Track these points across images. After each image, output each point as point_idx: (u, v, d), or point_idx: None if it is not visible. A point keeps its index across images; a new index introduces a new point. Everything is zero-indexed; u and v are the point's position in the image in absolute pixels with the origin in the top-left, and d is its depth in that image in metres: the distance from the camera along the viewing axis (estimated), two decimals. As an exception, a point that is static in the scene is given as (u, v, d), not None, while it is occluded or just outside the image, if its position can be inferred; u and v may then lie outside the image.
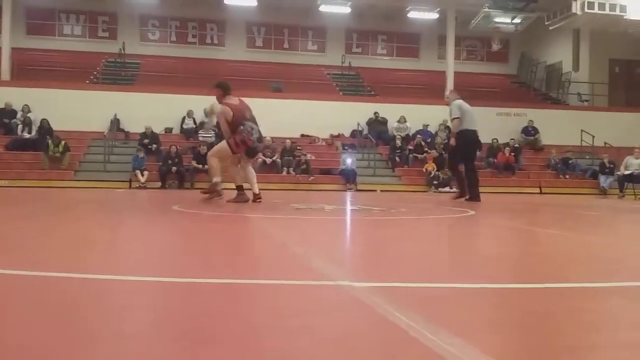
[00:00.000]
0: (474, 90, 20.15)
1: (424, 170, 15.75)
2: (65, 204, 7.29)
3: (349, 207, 7.28)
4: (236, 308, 1.55)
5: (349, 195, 12.04)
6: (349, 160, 15.52)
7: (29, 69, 17.43)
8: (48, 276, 1.93)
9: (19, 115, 15.63)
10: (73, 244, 3.05)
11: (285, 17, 20.92)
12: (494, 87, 21.14)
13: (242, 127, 6.38)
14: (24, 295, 1.67)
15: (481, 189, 8.57)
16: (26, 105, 15.56)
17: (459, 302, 1.66)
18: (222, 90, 6.56)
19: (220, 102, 6.55)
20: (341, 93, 19.52)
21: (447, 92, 9.85)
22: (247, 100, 6.78)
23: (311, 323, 1.37)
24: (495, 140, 17.06)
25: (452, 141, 8.44)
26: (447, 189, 14.95)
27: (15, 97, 15.77)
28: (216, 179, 6.56)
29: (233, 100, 6.56)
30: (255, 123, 6.58)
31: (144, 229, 4.17)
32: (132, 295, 1.73)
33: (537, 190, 16.18)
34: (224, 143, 6.56)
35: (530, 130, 18.51)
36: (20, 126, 15.39)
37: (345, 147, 16.45)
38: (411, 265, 2.43)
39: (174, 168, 14.03)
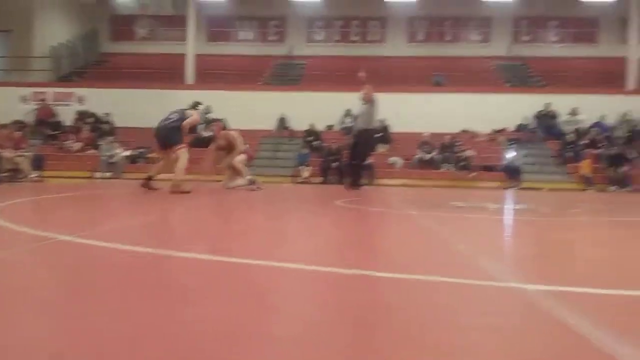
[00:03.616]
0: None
1: (579, 172, 14.32)
2: (240, 198, 7.92)
3: (513, 207, 6.95)
4: (402, 302, 1.60)
5: (512, 193, 11.45)
6: (512, 155, 14.75)
7: (209, 73, 19.19)
8: (233, 262, 2.16)
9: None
10: (249, 233, 3.34)
11: (447, 9, 20.47)
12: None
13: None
14: (222, 278, 1.90)
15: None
16: (207, 106, 17.15)
17: (644, 313, 1.54)
18: None
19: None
20: (507, 84, 18.57)
21: (363, 91, 9.55)
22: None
23: (484, 323, 1.37)
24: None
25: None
26: (614, 188, 13.60)
27: (197, 99, 17.48)
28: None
29: None
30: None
31: (312, 222, 4.40)
32: (305, 283, 1.87)
33: None
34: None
35: None
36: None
37: (511, 142, 15.62)
38: (586, 269, 2.28)
39: (334, 164, 14.51)
